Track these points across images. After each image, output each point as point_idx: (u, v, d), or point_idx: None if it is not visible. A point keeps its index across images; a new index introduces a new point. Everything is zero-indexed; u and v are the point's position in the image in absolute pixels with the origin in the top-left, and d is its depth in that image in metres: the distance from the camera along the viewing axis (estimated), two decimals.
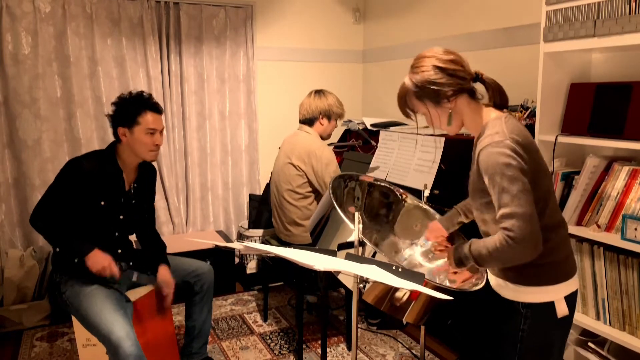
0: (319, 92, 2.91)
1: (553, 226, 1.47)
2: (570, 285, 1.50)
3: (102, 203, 2.22)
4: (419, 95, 1.51)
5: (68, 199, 2.16)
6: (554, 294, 1.48)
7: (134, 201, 2.37)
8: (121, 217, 2.32)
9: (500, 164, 1.36)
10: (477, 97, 1.53)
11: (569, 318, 1.52)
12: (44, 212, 2.16)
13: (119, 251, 2.33)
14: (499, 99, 1.52)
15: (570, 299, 1.51)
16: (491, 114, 1.50)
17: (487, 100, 1.57)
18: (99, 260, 2.12)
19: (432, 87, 1.47)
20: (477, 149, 1.46)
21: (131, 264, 2.32)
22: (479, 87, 1.55)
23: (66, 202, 2.16)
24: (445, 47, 1.53)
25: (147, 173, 2.44)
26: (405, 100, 1.55)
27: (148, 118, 2.21)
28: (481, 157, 1.42)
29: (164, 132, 3.59)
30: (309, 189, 2.81)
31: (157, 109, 2.26)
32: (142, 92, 2.28)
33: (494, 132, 1.41)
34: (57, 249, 2.23)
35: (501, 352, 1.57)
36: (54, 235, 2.17)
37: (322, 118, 2.87)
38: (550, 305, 1.47)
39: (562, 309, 1.48)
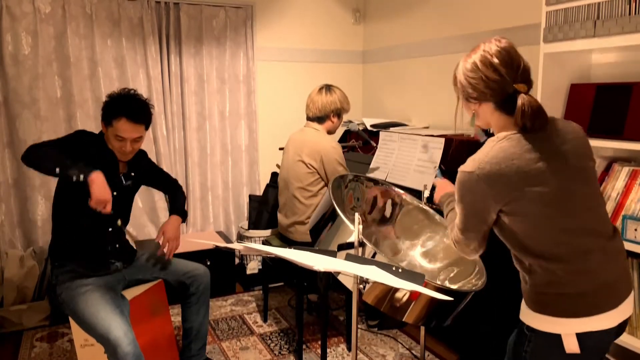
0: (329, 89, 2.85)
1: (553, 257, 1.35)
2: (586, 324, 1.34)
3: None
4: (455, 80, 1.49)
5: (66, 150, 2.06)
6: (561, 327, 1.35)
7: (128, 182, 2.34)
8: (115, 193, 2.17)
9: (460, 195, 1.44)
10: (506, 111, 1.40)
11: (585, 357, 1.37)
12: (43, 143, 2.06)
13: (110, 230, 2.29)
14: (528, 125, 1.36)
15: (589, 338, 1.35)
16: (502, 133, 1.41)
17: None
18: (103, 191, 1.95)
19: (462, 82, 1.44)
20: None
21: (125, 265, 2.33)
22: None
23: (63, 150, 2.05)
24: (506, 44, 1.41)
25: (138, 157, 2.39)
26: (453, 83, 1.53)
27: (120, 125, 2.12)
28: (457, 175, 1.44)
29: (163, 131, 3.67)
30: (322, 185, 2.80)
31: (135, 118, 2.14)
32: (134, 94, 2.21)
33: (472, 158, 1.39)
34: (58, 170, 1.98)
35: None
36: (54, 154, 1.99)
37: (334, 116, 2.85)
38: (557, 338, 1.36)
39: (570, 346, 1.35)
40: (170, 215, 2.49)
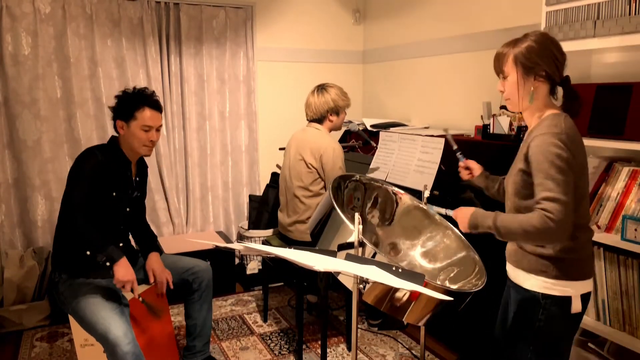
0: (321, 89, 2.84)
1: (582, 226, 1.55)
2: (587, 285, 1.57)
3: (114, 194, 2.24)
4: (517, 58, 1.55)
5: (91, 190, 2.14)
6: (574, 289, 1.54)
7: (138, 194, 2.42)
8: (127, 209, 2.35)
9: (553, 153, 1.44)
10: (552, 95, 1.58)
11: (579, 316, 1.58)
12: (79, 211, 2.09)
13: (121, 244, 2.35)
14: (577, 111, 1.57)
15: (585, 299, 1.57)
16: (552, 111, 1.56)
17: (559, 103, 1.61)
18: (127, 274, 2.11)
19: (534, 57, 1.52)
20: (530, 137, 1.52)
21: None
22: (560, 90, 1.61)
23: (90, 194, 2.14)
24: None
25: (142, 167, 2.49)
26: (501, 59, 1.60)
27: (146, 114, 2.23)
28: (534, 142, 1.48)
29: (163, 131, 3.66)
30: (322, 185, 2.80)
31: (156, 106, 2.28)
32: (145, 88, 2.30)
33: (553, 124, 1.49)
34: (88, 252, 2.17)
35: (514, 341, 1.61)
36: (90, 237, 2.10)
37: (331, 115, 2.83)
38: (567, 301, 1.54)
39: (576, 306, 1.54)
40: (148, 253, 2.43)
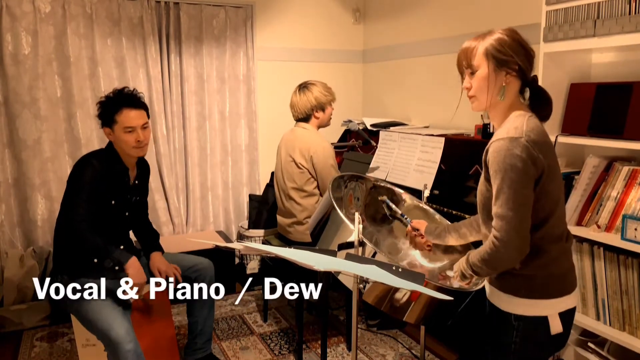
0: (303, 88, 2.85)
1: (555, 238, 1.42)
2: (566, 302, 1.44)
3: (113, 202, 2.23)
4: (488, 52, 1.41)
5: (90, 201, 2.13)
6: (548, 308, 1.42)
7: (137, 197, 2.41)
8: (127, 214, 2.35)
9: (508, 164, 1.32)
10: (522, 94, 1.48)
11: (563, 336, 1.46)
12: (81, 223, 2.10)
13: (122, 247, 2.33)
14: (543, 112, 1.47)
15: (567, 316, 1.45)
16: (517, 112, 1.44)
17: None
18: (138, 275, 2.12)
19: (507, 49, 1.40)
20: (490, 141, 1.41)
21: None
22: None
23: (90, 205, 2.13)
24: None
25: (144, 169, 2.47)
26: (469, 53, 1.45)
27: (125, 116, 2.16)
28: (491, 148, 1.37)
29: (163, 131, 3.66)
30: (315, 184, 2.80)
31: (135, 104, 2.20)
32: (124, 87, 2.24)
33: (513, 127, 1.37)
34: (95, 260, 2.17)
35: (497, 358, 1.53)
36: (95, 246, 2.11)
37: (316, 112, 2.83)
38: (544, 321, 1.42)
39: (555, 326, 1.42)
40: (150, 253, 2.44)
